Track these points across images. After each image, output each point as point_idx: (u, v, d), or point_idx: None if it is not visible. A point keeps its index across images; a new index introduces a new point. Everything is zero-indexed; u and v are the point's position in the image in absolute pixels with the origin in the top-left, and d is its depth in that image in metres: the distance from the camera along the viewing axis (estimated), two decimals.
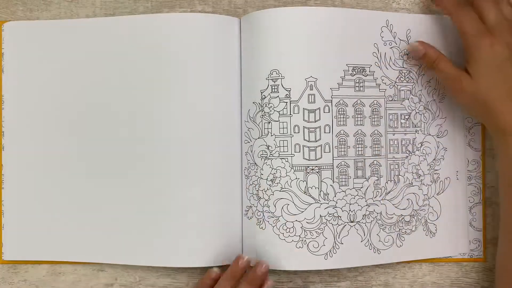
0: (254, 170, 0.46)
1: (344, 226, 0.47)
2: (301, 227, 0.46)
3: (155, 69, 0.47)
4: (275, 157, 0.46)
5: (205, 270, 0.47)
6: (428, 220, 0.49)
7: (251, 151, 0.46)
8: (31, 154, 0.49)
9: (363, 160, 0.47)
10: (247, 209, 0.47)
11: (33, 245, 0.49)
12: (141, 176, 0.47)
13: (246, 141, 0.47)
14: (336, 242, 0.46)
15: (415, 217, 0.49)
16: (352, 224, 0.47)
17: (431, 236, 0.49)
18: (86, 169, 0.48)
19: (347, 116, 0.47)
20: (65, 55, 0.48)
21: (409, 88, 0.49)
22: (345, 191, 0.47)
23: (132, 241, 0.47)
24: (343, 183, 0.47)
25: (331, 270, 0.49)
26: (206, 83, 0.47)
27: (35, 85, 0.49)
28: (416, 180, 0.49)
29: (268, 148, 0.46)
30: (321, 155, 0.46)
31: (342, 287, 0.50)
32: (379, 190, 0.48)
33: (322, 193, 0.46)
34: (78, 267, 0.50)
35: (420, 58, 0.48)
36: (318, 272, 0.49)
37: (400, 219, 0.48)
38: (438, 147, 0.50)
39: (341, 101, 0.47)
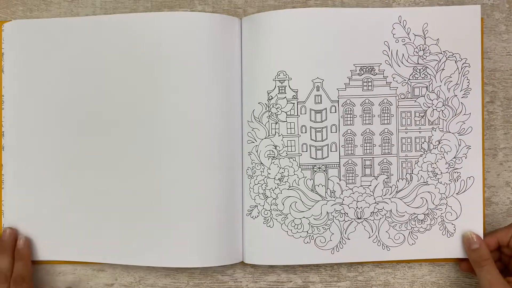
0: (260, 169, 0.48)
1: (351, 223, 0.48)
2: (308, 223, 0.48)
3: (154, 67, 0.47)
4: (283, 157, 0.48)
5: (205, 270, 0.50)
6: (446, 220, 0.48)
7: (256, 151, 0.48)
8: (31, 154, 0.49)
9: (371, 158, 0.48)
10: (251, 209, 0.48)
11: (33, 245, 0.49)
12: (141, 176, 0.48)
13: (249, 141, 0.48)
14: (343, 237, 0.48)
15: (430, 216, 0.48)
16: (359, 220, 0.48)
17: (448, 235, 0.48)
18: (86, 169, 0.48)
19: (355, 116, 0.48)
20: (64, 54, 0.48)
21: (425, 85, 0.48)
22: (352, 189, 0.48)
23: (133, 241, 0.48)
24: (350, 181, 0.48)
25: (331, 270, 0.50)
26: (206, 81, 0.47)
27: (35, 84, 0.49)
28: (432, 178, 0.48)
29: (275, 148, 0.48)
30: (328, 154, 0.48)
31: (342, 287, 0.50)
32: (389, 188, 0.48)
33: (328, 191, 0.48)
34: (78, 267, 0.50)
35: (470, 251, 0.47)
36: (318, 272, 0.50)
37: (413, 217, 0.48)
38: (459, 145, 0.48)
39: (348, 101, 0.48)
